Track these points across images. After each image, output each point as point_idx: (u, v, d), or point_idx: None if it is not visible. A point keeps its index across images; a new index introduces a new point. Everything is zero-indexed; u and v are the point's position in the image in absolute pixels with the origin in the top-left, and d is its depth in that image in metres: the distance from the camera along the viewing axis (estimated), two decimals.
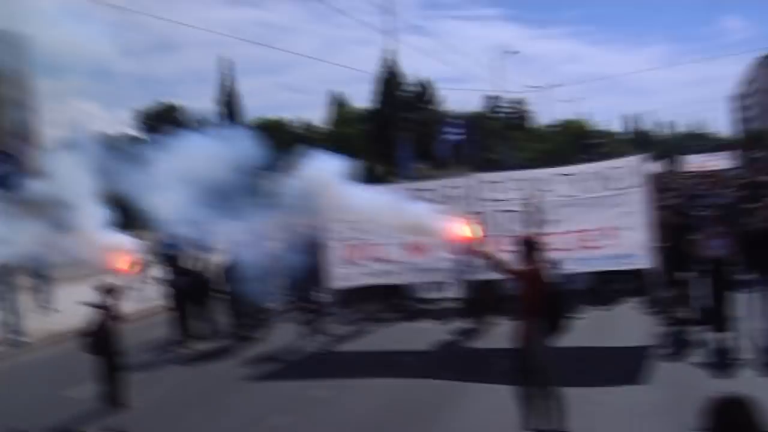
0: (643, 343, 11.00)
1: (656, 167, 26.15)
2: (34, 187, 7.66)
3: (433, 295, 15.57)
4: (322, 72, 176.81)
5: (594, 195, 11.60)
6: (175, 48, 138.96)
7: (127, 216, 8.37)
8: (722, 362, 9.89)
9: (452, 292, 14.61)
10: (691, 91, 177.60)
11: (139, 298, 16.06)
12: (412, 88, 65.47)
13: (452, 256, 11.87)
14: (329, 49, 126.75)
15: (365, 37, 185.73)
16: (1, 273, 14.89)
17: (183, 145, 8.29)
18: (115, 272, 8.74)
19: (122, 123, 65.24)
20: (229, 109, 59.90)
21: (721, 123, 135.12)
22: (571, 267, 11.25)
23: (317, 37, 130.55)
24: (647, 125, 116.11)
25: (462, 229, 8.33)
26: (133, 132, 61.78)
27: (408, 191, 11.72)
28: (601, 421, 8.11)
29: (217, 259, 14.10)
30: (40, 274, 18.13)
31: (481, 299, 13.32)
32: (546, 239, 9.71)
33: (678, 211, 12.88)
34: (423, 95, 67.46)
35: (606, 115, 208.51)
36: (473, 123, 49.20)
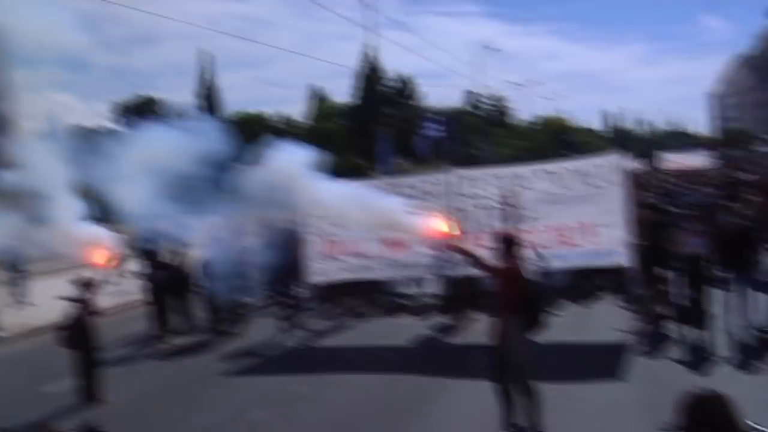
0: (620, 340, 11.07)
1: (636, 165, 26.38)
2: (9, 178, 7.54)
3: (412, 290, 15.56)
4: (303, 66, 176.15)
5: (573, 192, 11.65)
6: (156, 40, 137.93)
7: (104, 209, 8.25)
8: (699, 359, 9.95)
9: (431, 288, 14.64)
10: (670, 89, 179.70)
11: (117, 292, 15.94)
12: (392, 84, 65.46)
13: (431, 252, 11.88)
14: (310, 44, 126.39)
15: (346, 32, 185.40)
16: None
17: (147, 136, 8.11)
18: (92, 266, 8.66)
19: (100, 115, 64.67)
20: (209, 103, 59.41)
21: (700, 121, 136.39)
22: (549, 264, 11.29)
23: (298, 31, 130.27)
24: (627, 123, 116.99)
25: (437, 225, 8.31)
26: (112, 124, 61.19)
27: (387, 186, 11.68)
28: (579, 417, 8.14)
29: (194, 253, 14.01)
30: (16, 268, 17.95)
31: (460, 295, 13.33)
32: (525, 236, 9.74)
33: (657, 208, 12.96)
34: (403, 91, 67.35)
35: (586, 112, 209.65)
36: (453, 119, 49.42)
